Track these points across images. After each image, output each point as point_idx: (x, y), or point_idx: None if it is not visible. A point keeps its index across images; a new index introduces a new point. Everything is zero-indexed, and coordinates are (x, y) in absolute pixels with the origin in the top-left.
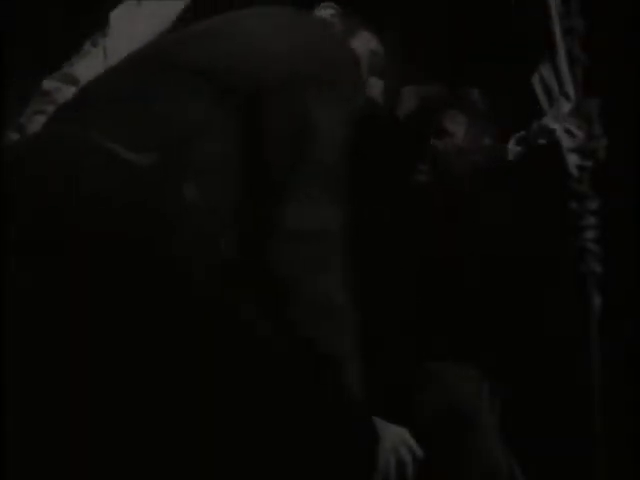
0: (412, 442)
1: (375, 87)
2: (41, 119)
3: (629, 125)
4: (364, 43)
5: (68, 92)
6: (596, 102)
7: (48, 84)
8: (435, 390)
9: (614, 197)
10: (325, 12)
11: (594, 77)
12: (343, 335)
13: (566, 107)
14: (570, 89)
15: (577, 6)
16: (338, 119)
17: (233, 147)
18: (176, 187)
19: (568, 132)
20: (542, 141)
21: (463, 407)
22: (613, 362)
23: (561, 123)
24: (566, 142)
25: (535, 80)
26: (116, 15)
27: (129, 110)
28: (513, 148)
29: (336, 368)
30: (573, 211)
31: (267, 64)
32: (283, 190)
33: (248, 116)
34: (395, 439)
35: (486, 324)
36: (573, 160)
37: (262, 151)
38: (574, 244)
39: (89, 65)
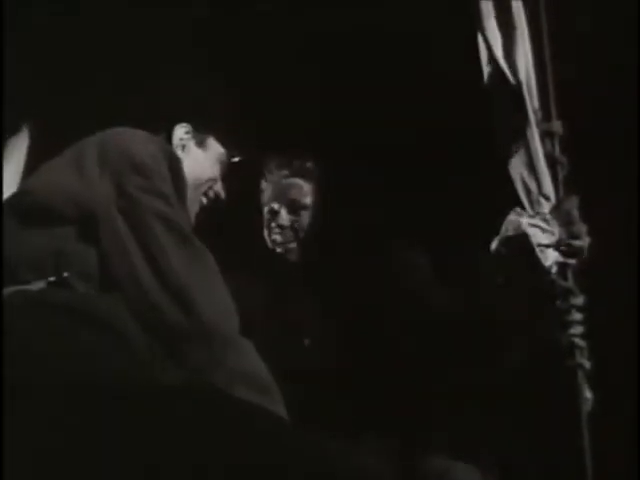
0: None
1: None
2: None
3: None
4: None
5: None
6: (575, 200)
7: None
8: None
9: (600, 293)
10: (180, 131)
11: (574, 177)
12: None
13: (546, 207)
14: (550, 190)
15: (556, 110)
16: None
17: None
18: None
19: (540, 229)
20: (515, 239)
21: None
22: (605, 456)
23: (530, 222)
24: (539, 239)
25: (517, 182)
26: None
27: None
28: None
29: None
30: (558, 307)
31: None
32: None
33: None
34: None
35: (482, 422)
36: (553, 257)
37: None
38: (561, 339)
39: None
